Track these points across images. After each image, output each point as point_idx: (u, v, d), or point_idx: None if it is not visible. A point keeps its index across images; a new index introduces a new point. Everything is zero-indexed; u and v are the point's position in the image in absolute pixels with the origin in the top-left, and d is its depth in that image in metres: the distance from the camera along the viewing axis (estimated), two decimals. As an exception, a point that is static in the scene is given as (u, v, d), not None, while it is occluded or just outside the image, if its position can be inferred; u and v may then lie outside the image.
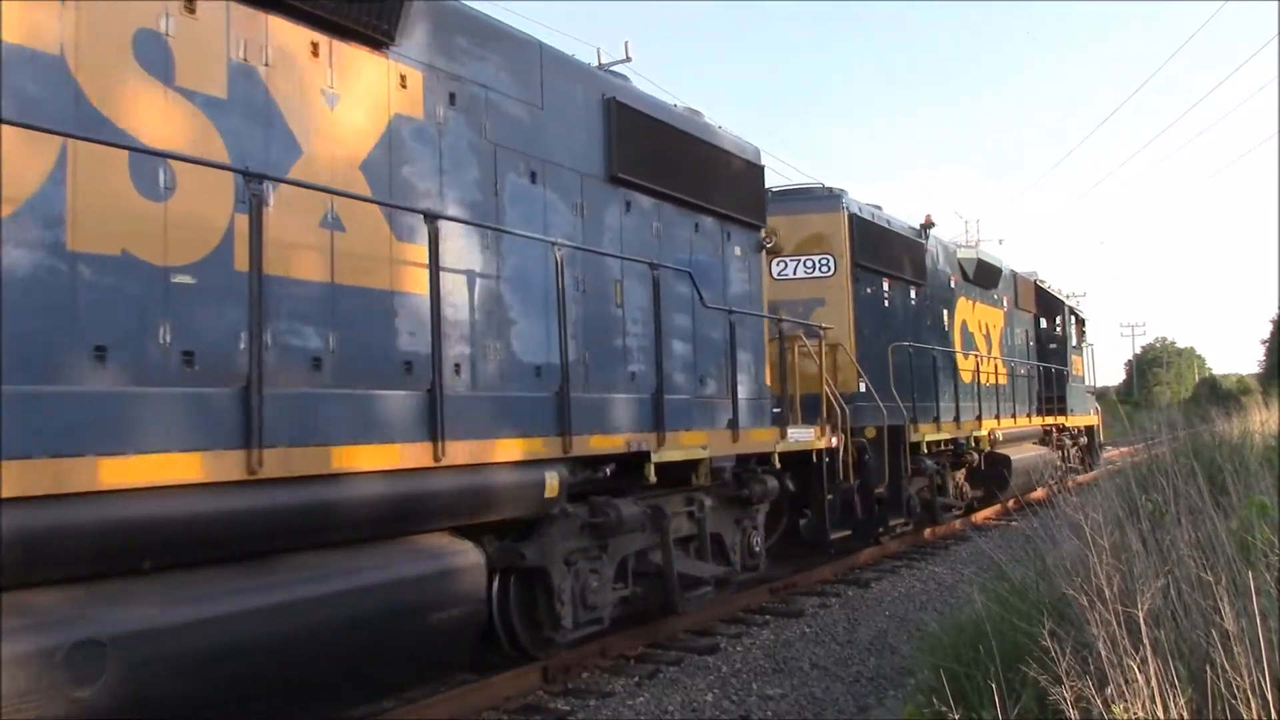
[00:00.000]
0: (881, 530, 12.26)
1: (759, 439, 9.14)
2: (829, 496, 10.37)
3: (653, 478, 7.36)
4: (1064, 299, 22.49)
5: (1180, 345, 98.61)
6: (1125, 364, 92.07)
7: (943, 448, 14.25)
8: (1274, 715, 2.96)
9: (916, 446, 12.91)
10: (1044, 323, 21.76)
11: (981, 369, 16.15)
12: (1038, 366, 20.21)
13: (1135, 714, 3.13)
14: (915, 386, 13.20)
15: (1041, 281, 22.17)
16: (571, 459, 6.65)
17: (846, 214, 12.59)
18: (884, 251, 13.40)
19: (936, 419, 14.05)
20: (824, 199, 12.79)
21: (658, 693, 6.91)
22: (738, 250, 9.60)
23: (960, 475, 15.29)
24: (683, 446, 7.84)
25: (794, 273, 12.42)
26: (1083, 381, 23.72)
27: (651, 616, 8.15)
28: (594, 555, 7.13)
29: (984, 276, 17.34)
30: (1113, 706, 3.16)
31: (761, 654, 7.96)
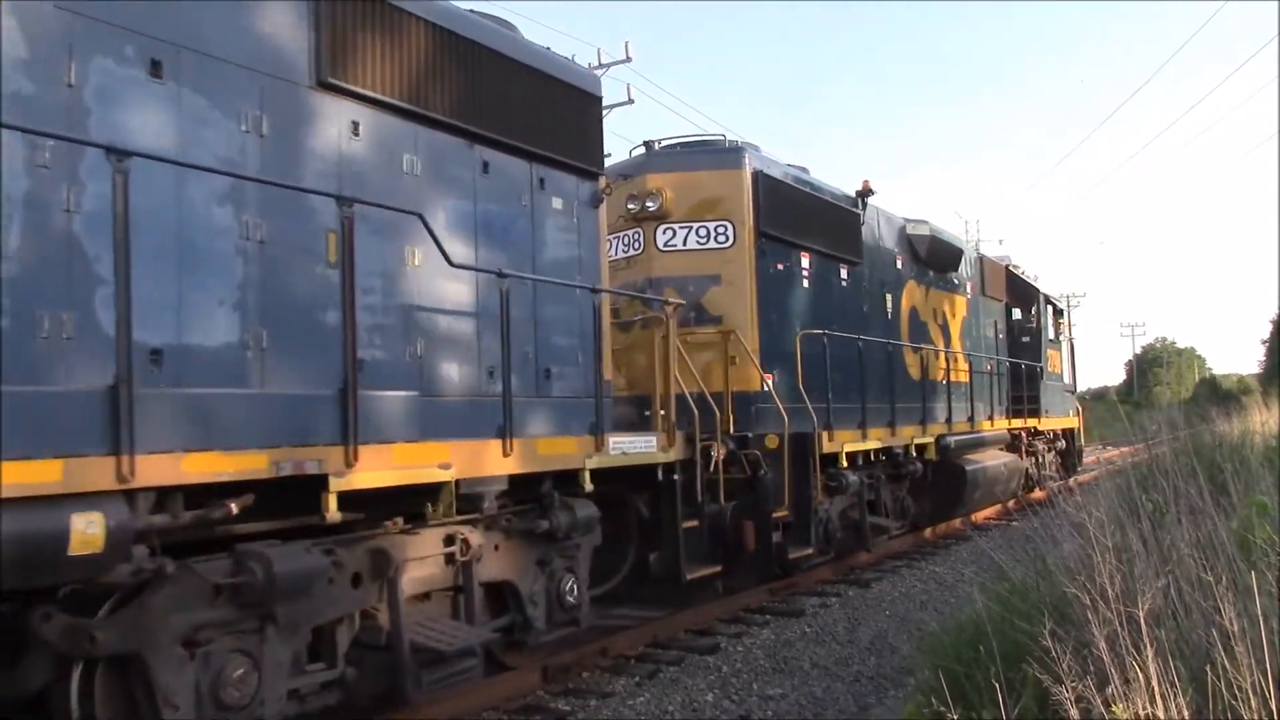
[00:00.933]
0: (780, 566, 9.94)
1: (556, 451, 6.88)
2: (688, 523, 8.14)
3: (334, 514, 5.11)
4: (1040, 286, 19.90)
5: (1180, 345, 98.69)
6: (1125, 364, 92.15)
7: (875, 459, 11.91)
8: (1275, 715, 2.96)
9: (834, 458, 10.62)
10: (1017, 314, 19.26)
11: (934, 364, 13.93)
12: (1007, 362, 17.78)
13: (1136, 714, 3.13)
14: (836, 385, 10.89)
15: (1014, 267, 19.77)
16: (142, 490, 4.37)
17: (749, 172, 10.26)
18: (802, 220, 10.96)
19: (863, 424, 11.38)
20: (721, 154, 10.48)
21: (658, 693, 6.91)
22: (556, 202, 7.43)
23: (901, 490, 12.86)
24: (399, 466, 5.56)
25: (684, 243, 9.97)
26: (1061, 379, 21.07)
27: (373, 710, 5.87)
28: (250, 629, 4.94)
29: (941, 258, 14.69)
30: (1113, 706, 3.16)
31: (762, 654, 7.96)
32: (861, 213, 12.39)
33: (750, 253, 10.10)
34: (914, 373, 13.38)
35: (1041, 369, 18.72)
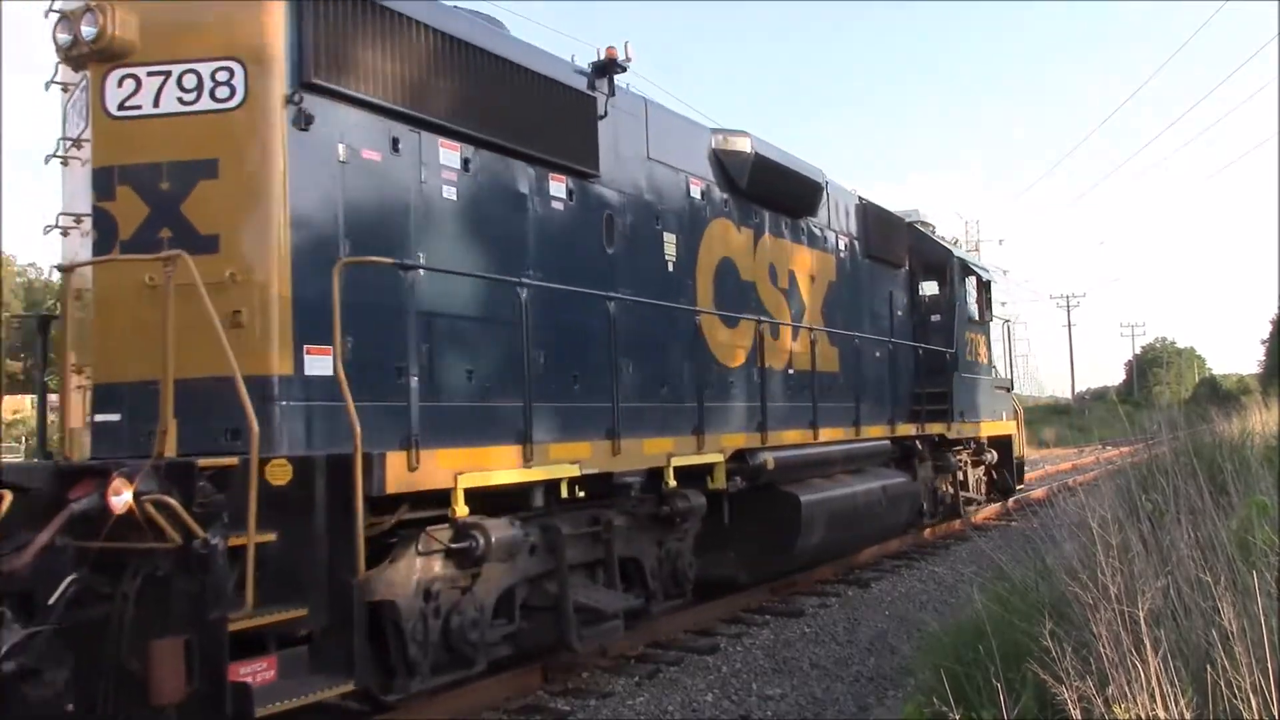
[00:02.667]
0: None
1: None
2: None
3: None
4: (963, 252, 15.68)
5: (1180, 345, 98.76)
6: (1125, 364, 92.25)
7: (571, 494, 6.97)
8: (1275, 716, 2.96)
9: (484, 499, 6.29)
10: (934, 289, 14.91)
11: (771, 345, 9.92)
12: (908, 348, 13.45)
13: (1137, 714, 3.13)
14: (494, 366, 6.74)
15: (923, 223, 15.48)
16: None
17: None
18: (436, 80, 6.51)
19: (526, 439, 6.44)
20: None
21: (658, 693, 6.91)
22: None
23: (670, 541, 8.25)
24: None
25: (154, 102, 5.64)
26: (991, 372, 16.29)
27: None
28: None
29: (778, 192, 10.39)
30: (1114, 706, 3.16)
31: (761, 654, 7.96)
32: (602, 99, 7.91)
33: (278, 118, 5.62)
34: (729, 354, 9.31)
35: (955, 357, 14.05)
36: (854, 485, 10.69)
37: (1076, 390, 79.90)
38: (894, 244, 13.74)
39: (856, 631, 8.71)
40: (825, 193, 11.52)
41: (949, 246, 15.40)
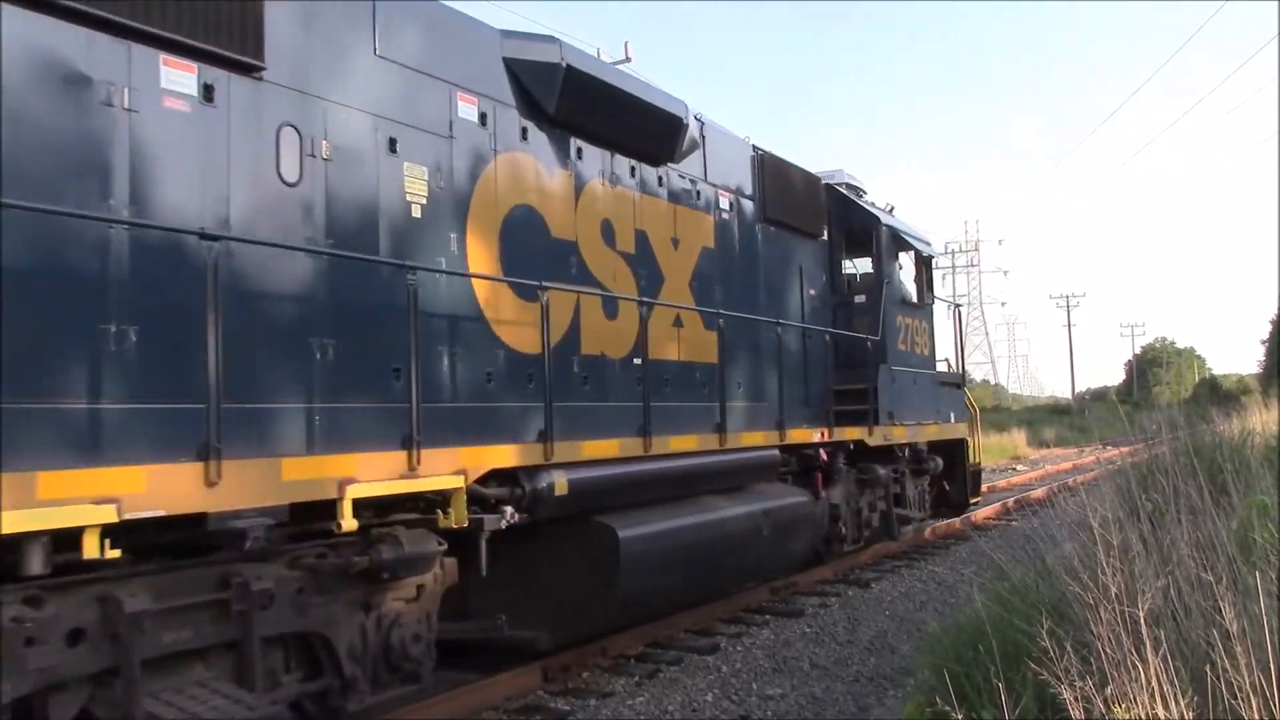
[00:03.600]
0: None
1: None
2: None
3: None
4: (885, 215, 12.77)
5: (1180, 345, 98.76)
6: (1125, 364, 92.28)
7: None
8: (1276, 716, 2.96)
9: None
10: (866, 266, 12.61)
11: (592, 324, 7.77)
12: (815, 335, 11.03)
13: (1136, 714, 3.13)
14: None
15: (850, 185, 12.75)
16: None
17: None
18: None
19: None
20: None
21: (658, 693, 6.91)
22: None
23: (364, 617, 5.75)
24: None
25: None
26: (932, 364, 13.77)
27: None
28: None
29: (620, 126, 8.13)
30: (1114, 706, 3.16)
31: (761, 654, 7.96)
32: None
33: None
34: (524, 337, 6.99)
35: (882, 346, 11.68)
36: (716, 510, 8.40)
37: (1076, 390, 80.00)
38: (805, 208, 11.24)
39: (856, 631, 8.71)
40: (689, 134, 8.95)
41: (877, 212, 12.47)
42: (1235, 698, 3.02)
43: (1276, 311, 56.96)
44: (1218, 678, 3.09)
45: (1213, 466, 6.19)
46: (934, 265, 14.50)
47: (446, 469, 5.93)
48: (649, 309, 8.07)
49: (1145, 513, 5.05)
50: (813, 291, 11.39)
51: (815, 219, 11.57)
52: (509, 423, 6.80)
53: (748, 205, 10.22)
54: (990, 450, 35.32)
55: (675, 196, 9.04)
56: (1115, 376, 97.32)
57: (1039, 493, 18.49)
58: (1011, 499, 18.55)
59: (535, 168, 7.46)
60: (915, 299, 13.29)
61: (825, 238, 11.88)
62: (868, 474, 11.30)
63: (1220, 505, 5.08)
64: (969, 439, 14.29)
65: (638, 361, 7.97)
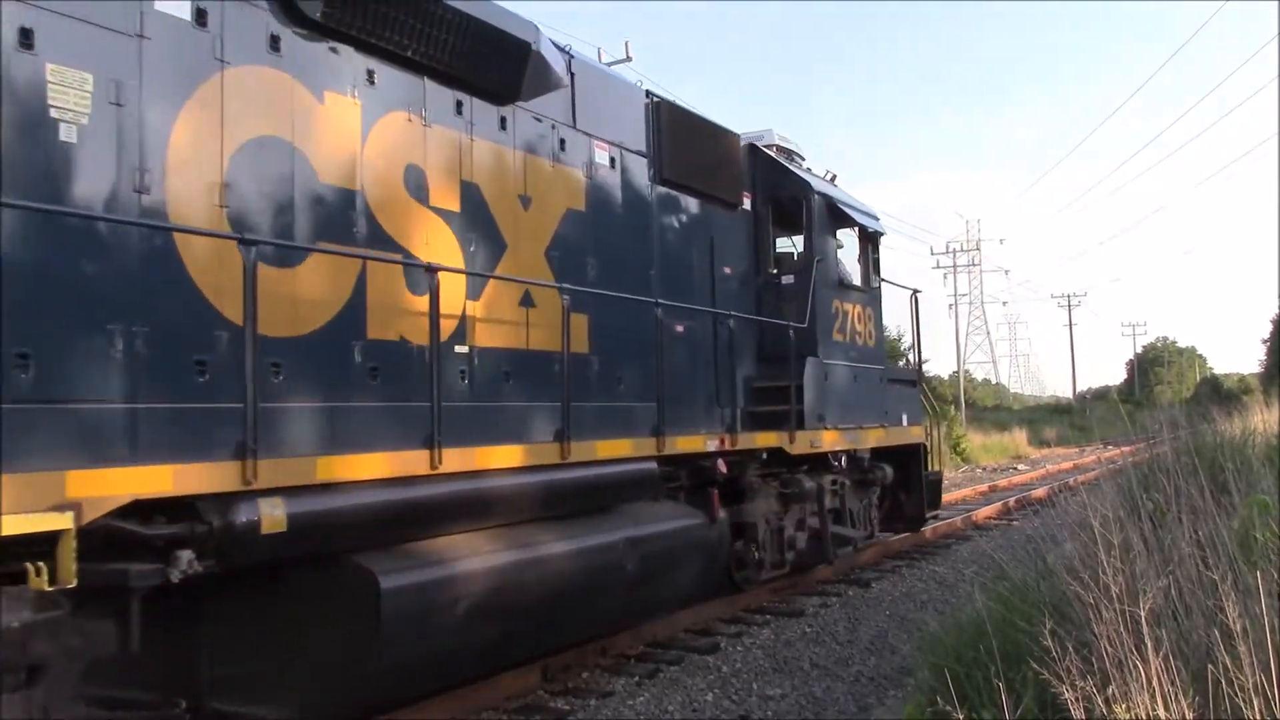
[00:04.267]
0: None
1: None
2: None
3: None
4: (820, 180, 11.05)
5: (1181, 345, 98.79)
6: (1126, 363, 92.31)
7: None
8: (1278, 716, 2.95)
9: None
10: (792, 243, 11.08)
11: (382, 299, 6.03)
12: (726, 321, 9.12)
13: (1137, 714, 3.12)
14: None
15: (781, 148, 10.94)
16: None
17: None
18: None
19: None
20: None
21: (658, 692, 6.90)
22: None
23: None
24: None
25: None
26: (878, 356, 11.79)
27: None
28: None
29: (428, 43, 6.31)
30: (1115, 706, 3.15)
31: (762, 654, 7.95)
32: None
33: None
34: (260, 314, 4.96)
35: (811, 336, 9.87)
36: (548, 544, 6.41)
37: (1078, 390, 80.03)
38: (719, 171, 9.48)
39: (857, 631, 8.70)
40: (550, 70, 7.25)
41: (810, 179, 10.66)
42: (1237, 697, 3.01)
43: (1277, 311, 56.93)
44: (1219, 677, 3.08)
45: (1214, 466, 6.18)
46: (880, 243, 11.97)
47: (40, 502, 3.95)
48: (483, 283, 6.58)
49: (1146, 512, 5.04)
50: (728, 269, 9.57)
51: (732, 185, 9.74)
52: (209, 430, 4.89)
53: (637, 163, 8.39)
54: (991, 449, 35.35)
55: (529, 146, 7.24)
56: (1116, 376, 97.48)
57: (1040, 492, 18.47)
58: (1013, 498, 18.55)
59: (293, 89, 5.58)
60: (857, 281, 11.36)
61: (747, 208, 10.07)
62: (792, 488, 9.52)
63: (1221, 505, 5.06)
64: (927, 444, 12.65)
65: (462, 350, 6.47)
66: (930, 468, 12.67)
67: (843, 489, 10.59)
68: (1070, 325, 73.19)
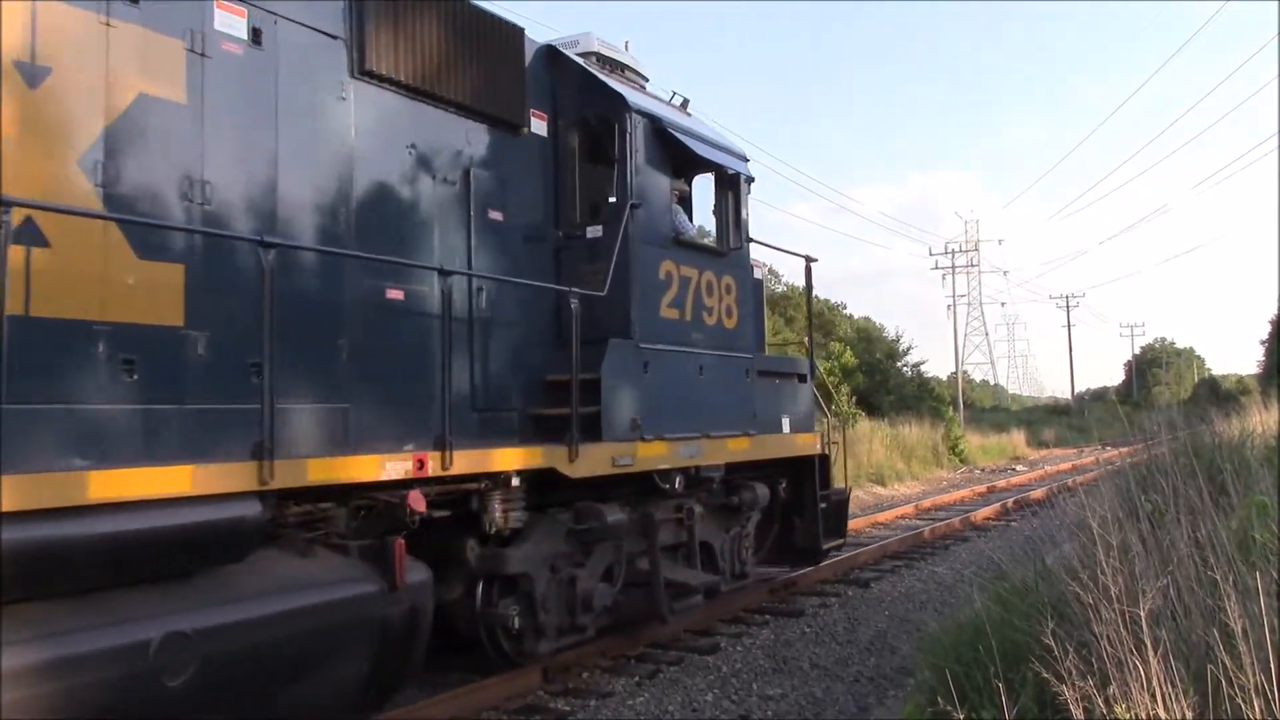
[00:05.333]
0: None
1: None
2: None
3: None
4: (640, 96, 8.19)
5: (1180, 346, 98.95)
6: (1125, 364, 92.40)
7: None
8: (1278, 716, 2.96)
9: None
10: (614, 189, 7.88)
11: None
12: (488, 288, 6.92)
13: (1137, 714, 3.13)
14: None
15: (601, 56, 8.35)
16: None
17: None
18: None
19: None
20: None
21: (658, 693, 6.91)
22: None
23: None
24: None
25: None
26: (754, 343, 9.17)
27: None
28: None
29: None
30: (1115, 706, 3.16)
31: (761, 654, 7.96)
32: None
33: None
34: None
35: (622, 310, 7.38)
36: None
37: (1076, 391, 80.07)
38: (483, 75, 6.92)
39: (856, 631, 8.71)
40: None
41: (626, 92, 7.76)
42: (1238, 697, 3.02)
43: (1276, 312, 56.98)
44: (1219, 677, 3.10)
45: (1212, 467, 6.20)
46: (744, 191, 8.95)
47: None
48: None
49: (1145, 513, 5.06)
50: (498, 215, 6.99)
51: (511, 98, 7.18)
52: None
53: (317, 45, 5.83)
54: (990, 450, 35.39)
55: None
56: (1115, 377, 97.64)
57: (1038, 493, 18.51)
58: (1011, 499, 18.57)
59: None
60: (735, 239, 8.71)
61: (540, 133, 7.52)
62: (589, 522, 7.05)
63: (1220, 505, 5.08)
64: (827, 454, 10.14)
65: None
66: (833, 484, 10.33)
67: (693, 519, 8.15)
68: (1069, 326, 73.21)
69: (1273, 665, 3.00)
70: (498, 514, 6.38)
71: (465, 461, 5.93)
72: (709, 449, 8.08)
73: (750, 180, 9.12)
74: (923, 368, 44.59)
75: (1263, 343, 60.68)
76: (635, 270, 7.48)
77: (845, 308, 52.39)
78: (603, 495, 7.22)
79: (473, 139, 6.99)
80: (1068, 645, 3.44)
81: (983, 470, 30.00)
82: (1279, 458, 6.86)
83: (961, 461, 31.04)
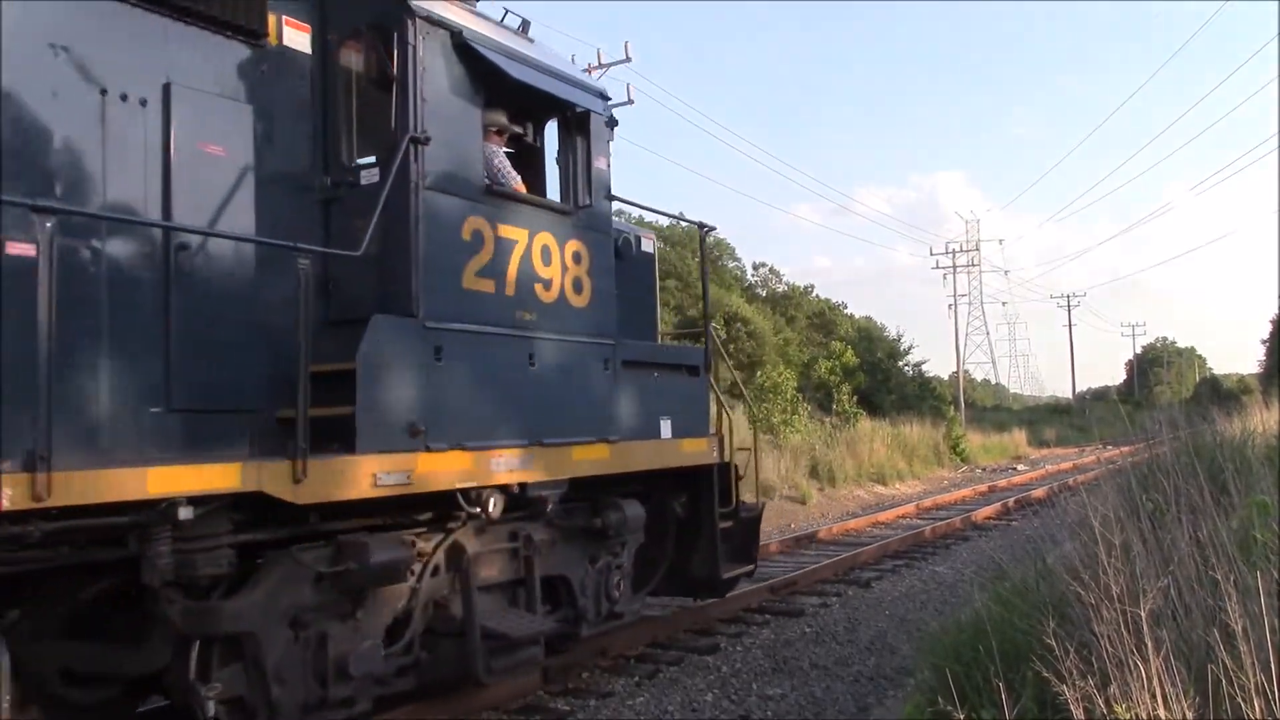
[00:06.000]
0: None
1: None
2: None
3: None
4: (430, 5, 5.88)
5: (1181, 345, 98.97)
6: (1126, 364, 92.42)
7: None
8: (1278, 715, 2.95)
9: None
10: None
11: None
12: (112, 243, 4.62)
13: (1137, 713, 3.12)
14: None
15: None
16: None
17: None
18: None
19: None
20: None
21: (658, 693, 6.90)
22: None
23: None
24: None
25: None
26: (611, 327, 7.05)
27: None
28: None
29: None
30: (1115, 706, 3.15)
31: (761, 654, 7.95)
32: None
33: None
34: None
35: (399, 273, 5.64)
36: None
37: (1077, 390, 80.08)
38: None
39: (856, 631, 8.70)
40: None
41: None
42: (1238, 697, 3.01)
43: (1277, 311, 56.97)
44: (1220, 677, 3.09)
45: (1213, 466, 6.18)
46: (594, 134, 7.03)
47: None
48: None
49: (1146, 512, 5.05)
50: (218, 149, 5.13)
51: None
52: None
53: None
54: (991, 450, 35.40)
55: None
56: (1116, 376, 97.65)
57: (1039, 492, 18.51)
58: (1012, 499, 18.56)
59: None
60: (557, 197, 6.93)
61: (297, 47, 5.79)
62: (348, 561, 5.22)
63: (1221, 505, 5.07)
64: (733, 463, 8.36)
65: None
66: (731, 501, 8.33)
67: (532, 549, 6.43)
68: (1070, 325, 73.23)
69: (1273, 665, 2.99)
70: (165, 559, 4.47)
71: (88, 486, 4.07)
72: (543, 460, 6.24)
73: (612, 123, 7.36)
74: (924, 367, 44.66)
75: (1263, 342, 60.71)
76: (421, 226, 5.64)
77: (846, 307, 52.47)
78: (404, 521, 5.73)
79: (177, 45, 5.07)
80: (1068, 645, 3.43)
81: (984, 469, 30.00)
82: (1279, 457, 6.85)
83: (963, 461, 31.06)
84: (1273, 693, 2.96)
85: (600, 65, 25.48)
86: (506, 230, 6.24)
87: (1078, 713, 3.20)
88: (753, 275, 50.22)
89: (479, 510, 5.90)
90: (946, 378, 54.98)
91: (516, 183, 6.55)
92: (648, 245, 8.49)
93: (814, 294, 50.57)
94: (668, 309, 35.72)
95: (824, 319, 48.49)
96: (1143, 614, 3.38)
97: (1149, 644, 3.24)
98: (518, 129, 7.00)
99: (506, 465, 6.00)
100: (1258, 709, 2.95)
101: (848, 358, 32.77)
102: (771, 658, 7.83)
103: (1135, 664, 3.19)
